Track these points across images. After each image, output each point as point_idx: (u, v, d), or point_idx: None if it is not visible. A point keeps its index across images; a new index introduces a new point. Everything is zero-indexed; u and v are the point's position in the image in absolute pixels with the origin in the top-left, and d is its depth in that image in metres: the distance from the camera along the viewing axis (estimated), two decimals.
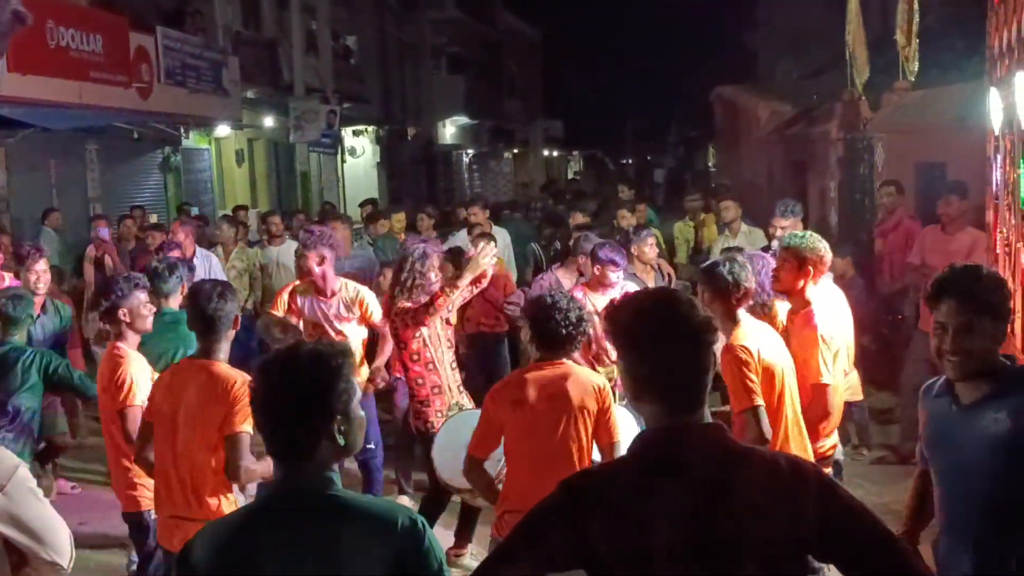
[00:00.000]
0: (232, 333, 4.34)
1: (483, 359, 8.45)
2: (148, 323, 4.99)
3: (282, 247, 10.27)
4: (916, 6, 11.29)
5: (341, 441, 2.37)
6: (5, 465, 2.78)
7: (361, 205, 13.50)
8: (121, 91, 14.08)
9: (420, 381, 5.70)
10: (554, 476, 3.91)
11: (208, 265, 9.08)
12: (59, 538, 2.88)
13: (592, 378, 4.23)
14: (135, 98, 14.54)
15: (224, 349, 4.31)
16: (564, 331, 4.21)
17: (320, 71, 22.07)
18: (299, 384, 2.33)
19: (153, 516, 4.69)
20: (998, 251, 6.26)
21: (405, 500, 6.95)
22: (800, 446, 4.37)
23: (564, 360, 4.25)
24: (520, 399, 4.13)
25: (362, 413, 2.47)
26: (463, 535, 5.89)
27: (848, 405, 6.94)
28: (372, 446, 6.40)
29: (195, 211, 15.20)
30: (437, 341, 5.76)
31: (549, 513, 2.30)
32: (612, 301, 2.43)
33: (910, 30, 11.32)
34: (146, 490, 4.72)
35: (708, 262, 4.83)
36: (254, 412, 2.42)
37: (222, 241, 10.16)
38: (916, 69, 11.58)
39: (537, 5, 46.01)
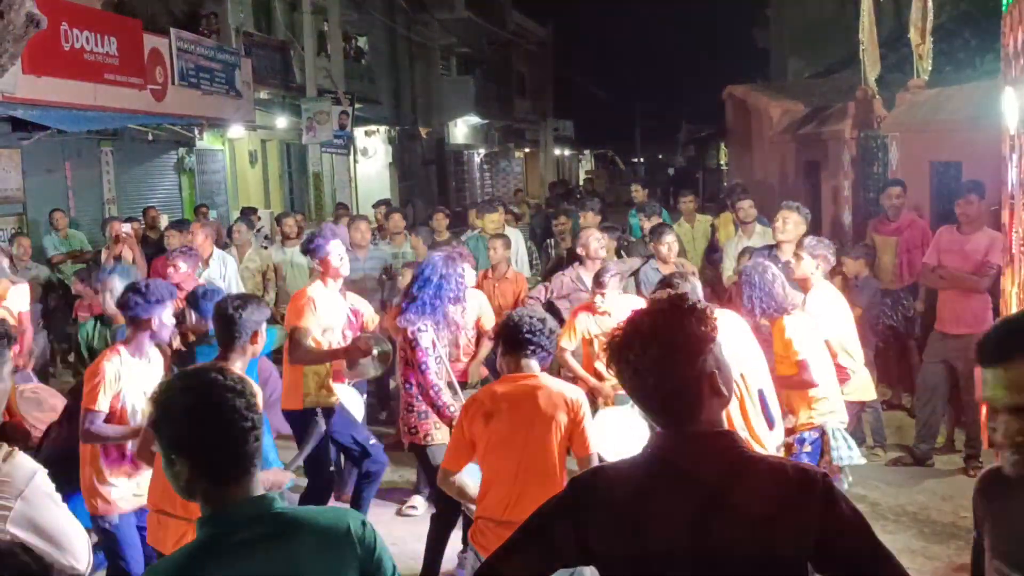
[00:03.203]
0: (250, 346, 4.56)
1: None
2: (168, 335, 4.96)
3: (296, 248, 10.31)
4: (930, 3, 11.25)
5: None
6: (24, 471, 2.80)
7: (375, 206, 13.53)
8: (135, 93, 14.16)
9: (436, 388, 5.56)
10: (526, 487, 4.00)
11: (224, 267, 9.11)
12: (77, 543, 2.89)
13: (564, 390, 4.19)
14: (149, 100, 14.61)
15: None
16: (523, 334, 4.18)
17: (332, 72, 22.13)
18: (244, 403, 2.23)
19: (114, 522, 4.71)
20: (1014, 251, 6.25)
21: (419, 500, 6.97)
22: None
23: (536, 373, 4.22)
24: (491, 412, 4.11)
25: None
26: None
27: (861, 405, 6.96)
28: (374, 441, 6.36)
29: (213, 214, 15.25)
30: (443, 337, 5.73)
31: (555, 509, 2.32)
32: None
33: (924, 28, 11.29)
34: (100, 499, 4.72)
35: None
36: (192, 439, 2.23)
37: (238, 242, 10.20)
38: (930, 67, 11.55)
39: (547, 5, 46.08)
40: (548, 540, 2.27)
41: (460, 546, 5.82)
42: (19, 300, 7.57)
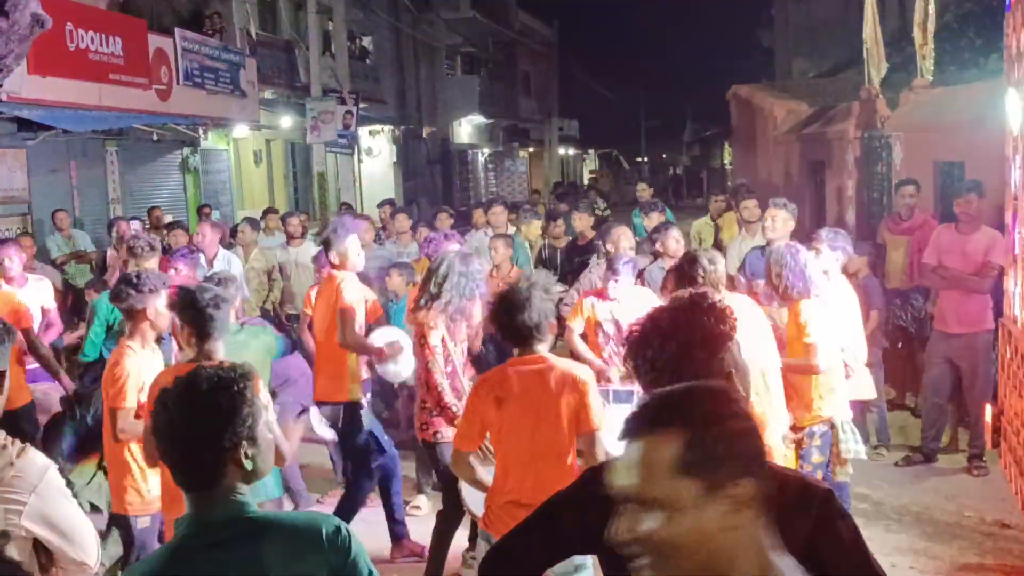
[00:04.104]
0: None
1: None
2: (166, 324, 4.91)
3: (301, 247, 10.33)
4: (933, 3, 11.25)
5: (249, 466, 2.28)
6: (37, 466, 2.83)
7: (379, 205, 13.55)
8: (140, 93, 14.18)
9: (441, 388, 5.57)
10: (539, 468, 4.00)
11: (228, 267, 9.12)
12: (87, 538, 2.92)
13: (572, 369, 4.18)
14: (154, 100, 14.64)
15: (220, 350, 4.31)
16: (531, 323, 4.16)
17: (336, 72, 22.14)
18: (200, 413, 2.24)
19: (140, 524, 4.67)
20: (1017, 252, 6.25)
21: (423, 499, 6.99)
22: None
23: (542, 353, 4.20)
24: (501, 395, 4.11)
25: (269, 435, 2.38)
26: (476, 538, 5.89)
27: (862, 404, 6.97)
28: (387, 437, 6.38)
29: (216, 214, 15.26)
30: (455, 339, 5.72)
31: (567, 496, 2.35)
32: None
33: (928, 27, 11.29)
34: (135, 494, 4.69)
35: None
36: (157, 442, 2.31)
37: (242, 242, 10.22)
38: (933, 67, 11.55)
39: (552, 4, 46.02)
40: (558, 526, 2.31)
41: (466, 544, 5.83)
42: (46, 295, 7.59)
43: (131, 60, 13.76)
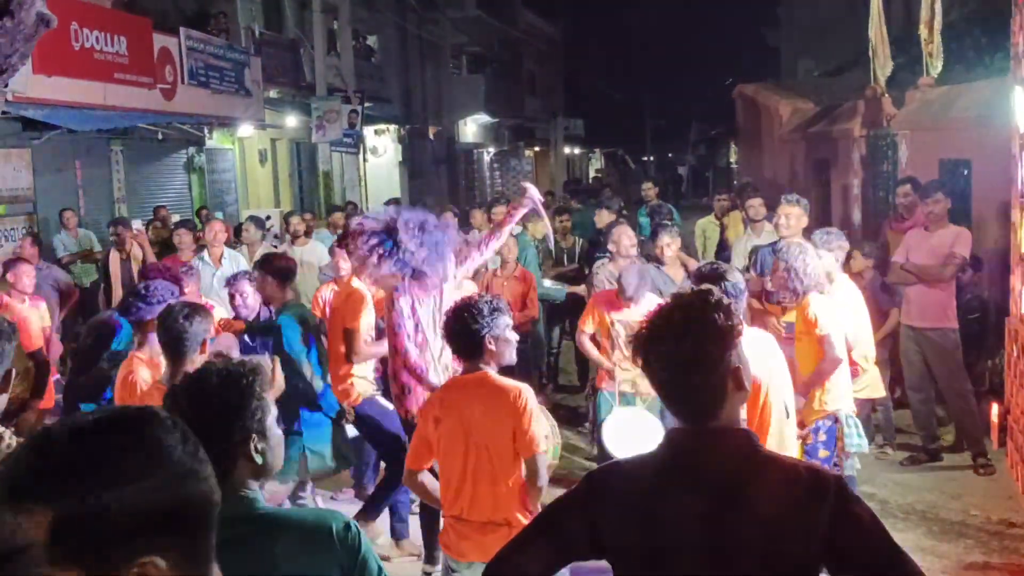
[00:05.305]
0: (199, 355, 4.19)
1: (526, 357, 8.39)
2: None
3: (306, 247, 10.33)
4: (939, 2, 11.23)
5: (259, 460, 2.28)
6: None
7: (384, 204, 13.56)
8: (145, 92, 14.18)
9: (421, 369, 5.40)
10: (474, 487, 4.00)
11: (235, 266, 9.12)
12: None
13: (508, 386, 4.07)
14: (159, 99, 14.64)
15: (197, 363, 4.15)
16: (480, 339, 4.07)
17: (342, 71, 22.14)
18: (208, 407, 2.25)
19: None
20: (1023, 251, 6.24)
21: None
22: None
23: (484, 369, 4.11)
24: (439, 415, 4.09)
25: (279, 431, 2.38)
26: None
27: (871, 403, 6.95)
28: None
29: (219, 215, 15.27)
30: (431, 322, 5.50)
31: (569, 502, 2.32)
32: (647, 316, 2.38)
33: (933, 25, 11.27)
34: None
35: None
36: None
37: (247, 241, 10.23)
38: (939, 65, 11.52)
39: (557, 3, 45.99)
40: (560, 533, 2.28)
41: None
42: (43, 316, 7.73)
43: (136, 59, 13.77)
